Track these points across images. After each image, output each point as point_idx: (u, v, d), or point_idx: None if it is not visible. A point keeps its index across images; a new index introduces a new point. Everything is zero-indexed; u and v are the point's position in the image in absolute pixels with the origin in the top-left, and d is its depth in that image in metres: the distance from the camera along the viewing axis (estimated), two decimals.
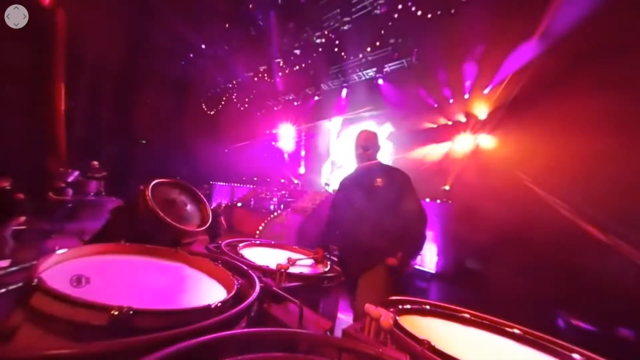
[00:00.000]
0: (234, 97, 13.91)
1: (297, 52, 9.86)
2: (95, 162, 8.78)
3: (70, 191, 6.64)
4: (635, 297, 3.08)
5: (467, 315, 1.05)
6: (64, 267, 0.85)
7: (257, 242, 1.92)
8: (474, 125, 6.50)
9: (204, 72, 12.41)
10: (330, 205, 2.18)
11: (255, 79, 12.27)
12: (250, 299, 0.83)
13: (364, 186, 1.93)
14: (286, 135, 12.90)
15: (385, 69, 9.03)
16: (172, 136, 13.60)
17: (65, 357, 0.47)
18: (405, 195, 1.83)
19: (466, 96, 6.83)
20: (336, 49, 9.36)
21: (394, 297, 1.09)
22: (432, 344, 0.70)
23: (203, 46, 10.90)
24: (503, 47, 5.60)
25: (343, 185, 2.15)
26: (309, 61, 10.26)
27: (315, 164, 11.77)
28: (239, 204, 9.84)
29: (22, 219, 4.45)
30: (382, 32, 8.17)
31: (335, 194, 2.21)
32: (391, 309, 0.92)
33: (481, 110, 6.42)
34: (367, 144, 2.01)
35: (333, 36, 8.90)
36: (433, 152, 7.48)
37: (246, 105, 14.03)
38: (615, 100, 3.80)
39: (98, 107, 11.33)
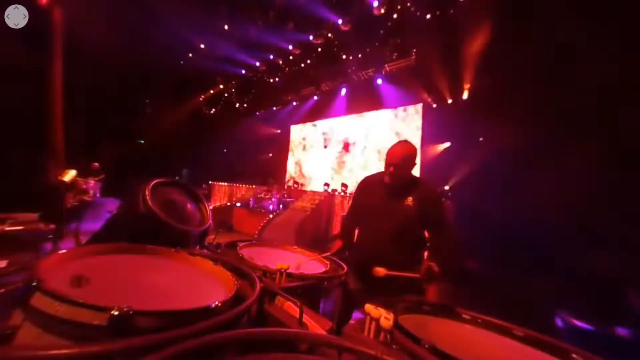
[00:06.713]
0: (233, 96, 13.91)
1: (296, 51, 9.87)
2: (96, 164, 8.77)
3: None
4: (636, 297, 3.09)
5: (467, 316, 1.05)
6: (64, 267, 0.85)
7: (257, 242, 1.92)
8: (474, 125, 6.50)
9: (204, 71, 12.40)
10: (349, 208, 2.08)
11: (255, 78, 12.28)
12: (251, 299, 0.82)
13: (392, 203, 1.78)
14: (285, 135, 12.90)
15: (384, 69, 9.03)
16: (172, 136, 13.59)
17: (65, 357, 0.47)
18: (439, 215, 1.77)
19: (465, 96, 6.84)
20: (335, 49, 9.36)
21: (394, 297, 1.09)
22: (432, 344, 0.70)
23: (202, 46, 10.90)
24: (503, 46, 5.61)
25: (365, 192, 1.94)
26: (308, 61, 10.27)
27: (314, 164, 11.78)
28: (239, 204, 9.83)
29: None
30: (382, 32, 8.17)
31: (354, 200, 2.03)
32: (391, 309, 0.92)
33: (481, 110, 6.43)
34: (405, 164, 1.70)
35: (332, 36, 8.91)
36: (433, 152, 7.50)
37: (245, 105, 14.04)
38: (615, 100, 3.81)
39: (98, 107, 11.32)
